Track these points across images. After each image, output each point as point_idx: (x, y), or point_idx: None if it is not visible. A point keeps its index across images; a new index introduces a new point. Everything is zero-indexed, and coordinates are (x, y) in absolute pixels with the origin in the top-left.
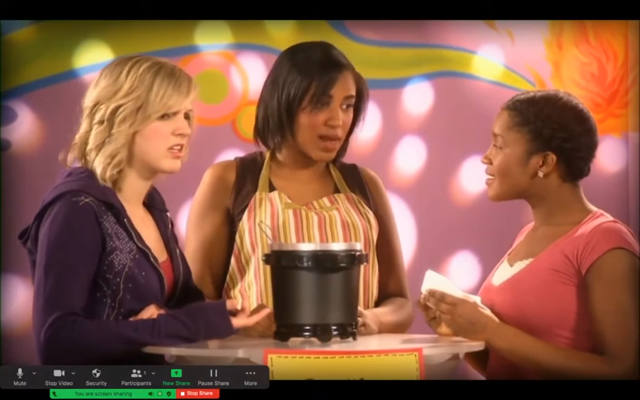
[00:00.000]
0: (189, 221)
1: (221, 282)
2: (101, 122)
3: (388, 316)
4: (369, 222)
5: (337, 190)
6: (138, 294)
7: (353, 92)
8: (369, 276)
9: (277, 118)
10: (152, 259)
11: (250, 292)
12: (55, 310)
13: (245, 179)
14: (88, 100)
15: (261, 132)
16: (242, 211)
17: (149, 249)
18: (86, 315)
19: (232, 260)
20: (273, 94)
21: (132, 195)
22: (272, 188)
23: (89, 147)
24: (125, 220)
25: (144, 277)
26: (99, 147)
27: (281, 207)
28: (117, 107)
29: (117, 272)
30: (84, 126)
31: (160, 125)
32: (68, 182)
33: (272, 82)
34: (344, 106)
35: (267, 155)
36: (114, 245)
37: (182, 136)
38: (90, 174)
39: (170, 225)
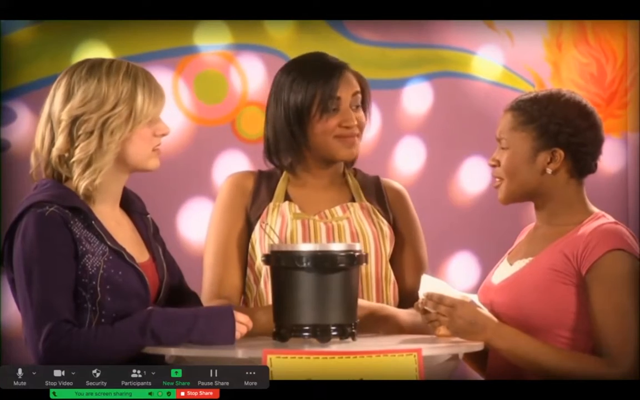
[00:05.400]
0: (209, 227)
1: (243, 285)
2: (89, 134)
3: (406, 317)
4: (381, 231)
5: (352, 199)
6: (118, 294)
7: (358, 89)
8: (382, 287)
9: (288, 133)
10: (127, 258)
11: (262, 301)
12: (47, 321)
13: (262, 188)
14: (65, 113)
15: (274, 152)
16: (257, 220)
17: (123, 249)
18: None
19: (248, 270)
20: (279, 111)
21: (105, 198)
22: (287, 198)
23: (74, 160)
24: (93, 222)
25: (121, 276)
26: (86, 160)
27: (290, 217)
28: (107, 119)
29: (92, 275)
30: (60, 140)
31: (146, 130)
32: (32, 196)
33: (275, 100)
34: (354, 106)
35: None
36: (85, 249)
37: (163, 136)
38: (54, 183)
39: (152, 228)
